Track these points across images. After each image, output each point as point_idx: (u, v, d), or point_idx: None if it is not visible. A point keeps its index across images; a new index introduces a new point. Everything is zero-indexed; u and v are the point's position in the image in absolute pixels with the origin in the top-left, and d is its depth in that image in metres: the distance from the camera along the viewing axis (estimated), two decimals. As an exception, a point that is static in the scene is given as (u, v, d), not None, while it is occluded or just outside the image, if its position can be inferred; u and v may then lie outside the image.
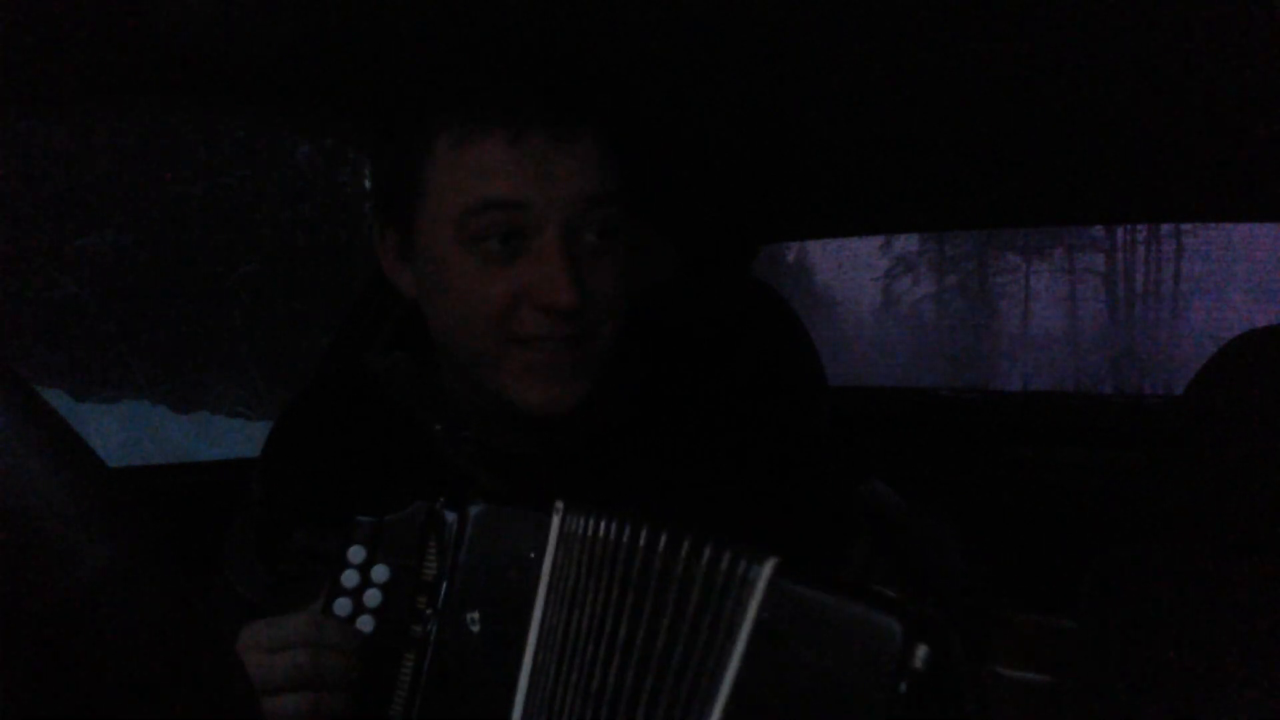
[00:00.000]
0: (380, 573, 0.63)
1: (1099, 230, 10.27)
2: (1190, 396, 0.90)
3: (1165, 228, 9.92)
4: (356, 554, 0.63)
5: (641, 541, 0.56)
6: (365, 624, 0.63)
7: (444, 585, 0.61)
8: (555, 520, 0.59)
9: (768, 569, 0.52)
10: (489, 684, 0.59)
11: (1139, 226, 9.49)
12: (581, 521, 0.59)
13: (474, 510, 0.62)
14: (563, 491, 0.61)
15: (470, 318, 0.72)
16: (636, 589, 0.56)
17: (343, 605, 0.63)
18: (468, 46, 0.83)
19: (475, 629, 0.60)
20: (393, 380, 0.82)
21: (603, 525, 0.58)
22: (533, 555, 0.59)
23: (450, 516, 0.62)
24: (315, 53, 0.91)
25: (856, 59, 0.89)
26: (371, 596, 0.63)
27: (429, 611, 0.61)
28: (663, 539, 0.56)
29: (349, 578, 0.63)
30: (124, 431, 5.83)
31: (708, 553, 0.54)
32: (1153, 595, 0.88)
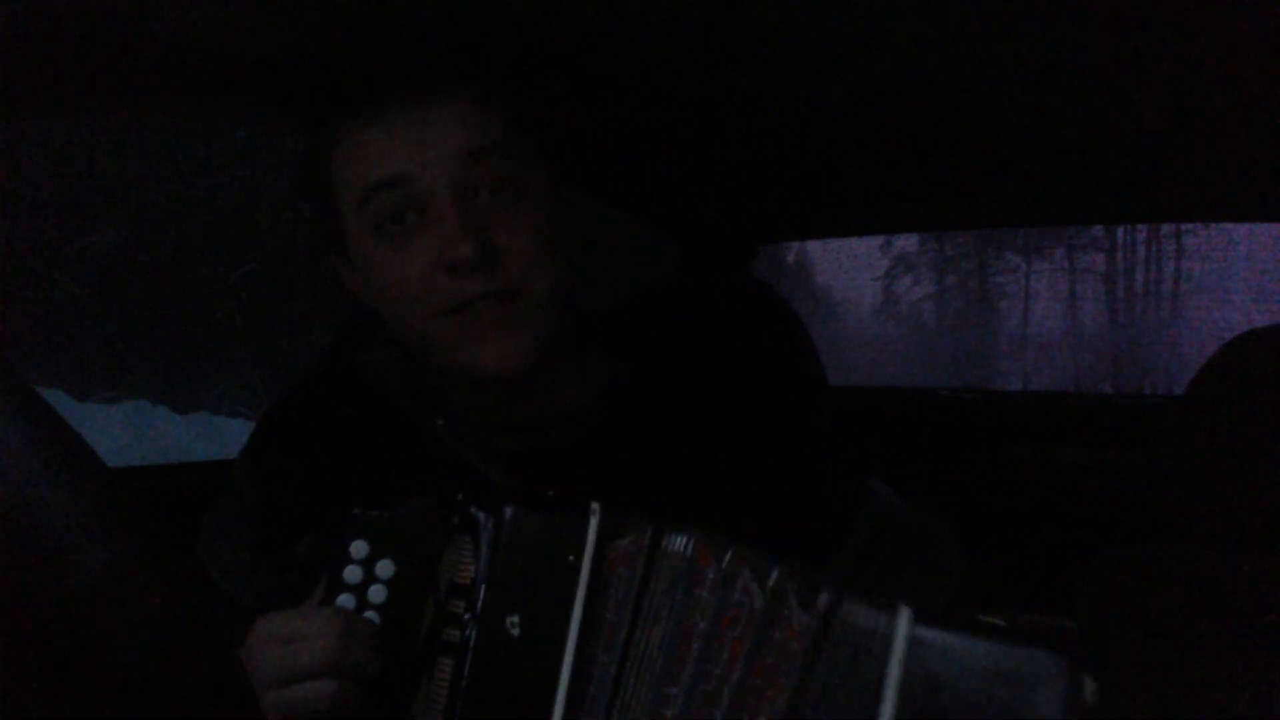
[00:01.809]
0: (385, 568, 0.62)
1: (1099, 230, 10.29)
2: (1190, 396, 0.90)
3: (1165, 228, 9.93)
4: (359, 549, 0.62)
5: (721, 567, 0.57)
6: (371, 619, 0.61)
7: (482, 588, 0.60)
8: (593, 522, 0.59)
9: (904, 622, 0.51)
10: (530, 688, 0.58)
11: (1139, 226, 9.50)
12: (622, 527, 0.59)
13: (508, 512, 0.60)
14: (566, 486, 0.61)
15: (399, 303, 0.73)
16: (703, 613, 0.57)
17: (345, 602, 0.61)
18: (336, 38, 0.84)
19: (515, 633, 0.59)
20: (381, 375, 0.82)
21: (649, 535, 0.59)
22: (571, 559, 0.59)
23: (483, 517, 0.61)
24: (315, 52, 0.91)
25: (857, 59, 0.89)
26: (376, 592, 0.61)
27: (467, 616, 0.60)
28: (745, 572, 0.56)
29: (351, 573, 0.62)
30: (124, 431, 5.82)
31: (819, 599, 0.53)
32: (1153, 595, 0.88)
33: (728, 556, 0.56)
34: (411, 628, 0.61)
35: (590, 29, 0.83)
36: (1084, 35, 0.80)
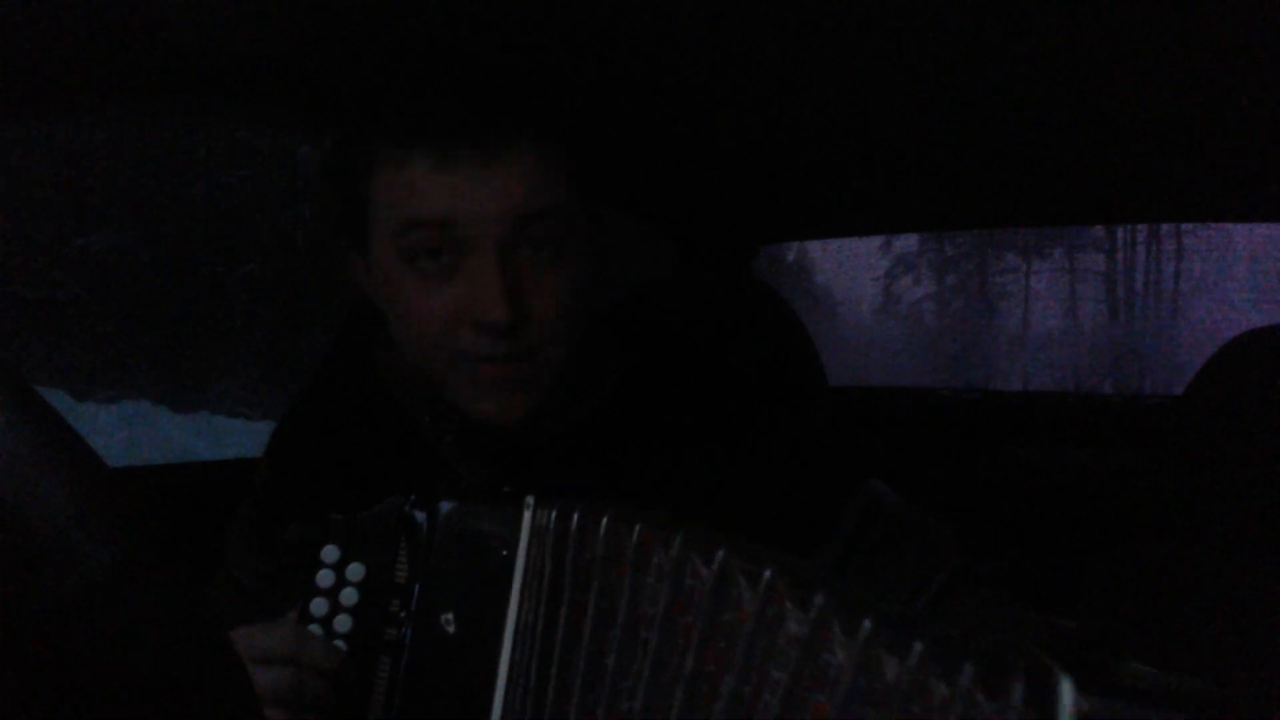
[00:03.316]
0: (355, 571, 0.62)
1: (1099, 230, 10.30)
2: (1190, 396, 0.90)
3: (1165, 228, 9.94)
4: (330, 553, 0.63)
5: (669, 553, 0.53)
6: (343, 624, 0.62)
7: (416, 587, 0.60)
8: (526, 515, 0.58)
9: (1068, 696, 0.39)
10: (467, 684, 0.58)
11: (1139, 226, 9.50)
12: (562, 518, 0.57)
13: (444, 508, 0.61)
14: (548, 484, 0.60)
15: (416, 334, 0.73)
16: (652, 600, 0.53)
17: (319, 605, 0.62)
18: (402, 62, 0.83)
19: (450, 630, 0.59)
20: (394, 375, 0.83)
21: (592, 524, 0.56)
22: (505, 552, 0.58)
23: (420, 516, 0.61)
24: (314, 52, 0.91)
25: (857, 59, 0.89)
26: (348, 595, 0.62)
27: (403, 615, 0.60)
28: (718, 556, 0.51)
29: (324, 577, 0.62)
30: (124, 431, 5.83)
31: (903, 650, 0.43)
32: (1153, 595, 0.88)
33: (676, 542, 0.53)
34: (379, 631, 0.62)
35: (590, 30, 0.83)
36: (1084, 35, 0.80)
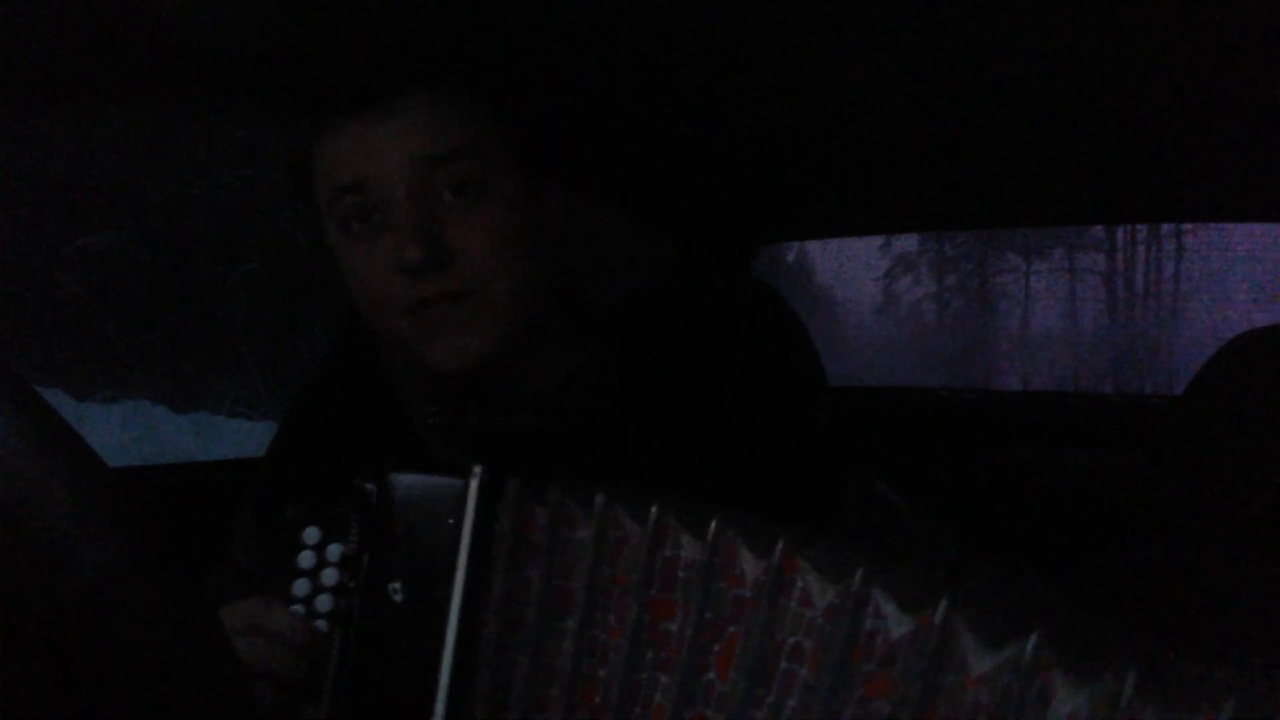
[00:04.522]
0: (334, 551, 0.63)
1: (1099, 230, 10.30)
2: (1190, 396, 0.90)
3: (1165, 228, 9.94)
4: (311, 535, 0.64)
5: (647, 526, 0.53)
6: (324, 603, 0.63)
7: (365, 557, 0.61)
8: (474, 484, 0.58)
9: None
10: (414, 653, 0.58)
11: (1139, 226, 9.50)
12: (510, 487, 0.58)
13: (393, 479, 0.61)
14: (528, 465, 0.60)
15: (363, 297, 0.75)
16: (626, 570, 0.54)
17: (302, 586, 0.63)
18: (306, 39, 0.85)
19: (397, 599, 0.59)
20: (395, 371, 0.84)
21: (550, 495, 0.57)
22: (451, 521, 0.58)
23: (370, 487, 0.61)
24: (314, 51, 0.91)
25: (856, 59, 0.89)
26: (329, 575, 0.63)
27: (352, 585, 0.61)
28: (681, 530, 0.52)
29: (305, 559, 0.64)
30: (124, 431, 5.82)
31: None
32: (1153, 595, 0.88)
33: (653, 513, 0.53)
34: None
35: (590, 28, 0.83)
36: (1084, 35, 0.80)
